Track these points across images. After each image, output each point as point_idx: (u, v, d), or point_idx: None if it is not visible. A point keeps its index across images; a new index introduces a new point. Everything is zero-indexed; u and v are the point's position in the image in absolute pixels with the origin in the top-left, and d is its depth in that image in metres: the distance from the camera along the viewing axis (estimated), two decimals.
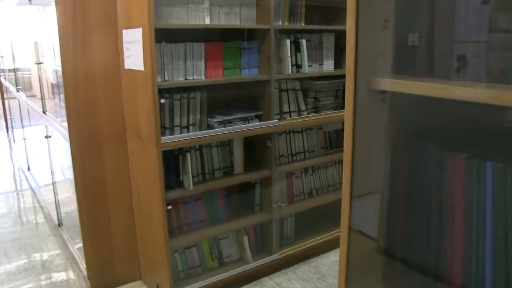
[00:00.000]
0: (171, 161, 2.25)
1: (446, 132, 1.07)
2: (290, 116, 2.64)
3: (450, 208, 0.98)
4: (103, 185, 2.40)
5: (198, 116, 2.26)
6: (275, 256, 2.65)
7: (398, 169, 1.15)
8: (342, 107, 2.88)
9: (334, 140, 2.99)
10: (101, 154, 2.37)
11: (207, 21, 2.27)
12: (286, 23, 2.56)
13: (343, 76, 2.83)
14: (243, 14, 2.37)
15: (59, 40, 2.15)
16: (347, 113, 1.14)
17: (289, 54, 2.51)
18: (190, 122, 2.24)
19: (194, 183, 2.29)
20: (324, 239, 2.90)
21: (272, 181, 2.57)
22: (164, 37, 2.10)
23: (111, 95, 2.34)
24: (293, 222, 2.84)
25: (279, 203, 2.62)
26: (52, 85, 2.86)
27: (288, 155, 2.74)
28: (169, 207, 2.19)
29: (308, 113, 2.73)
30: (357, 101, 1.12)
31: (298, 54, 2.59)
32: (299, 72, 2.61)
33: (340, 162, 3.01)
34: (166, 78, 2.16)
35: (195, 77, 2.25)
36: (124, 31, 2.22)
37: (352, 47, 1.11)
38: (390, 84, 1.10)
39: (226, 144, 2.46)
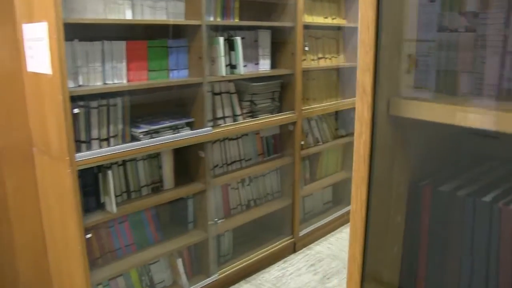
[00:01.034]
0: (90, 180, 2.00)
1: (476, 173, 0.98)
2: (225, 122, 2.48)
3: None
4: (3, 210, 2.08)
5: (120, 127, 2.03)
6: (214, 277, 2.49)
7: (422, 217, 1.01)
8: (279, 110, 2.79)
9: (271, 146, 2.88)
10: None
11: (129, 16, 2.03)
12: (219, 19, 2.40)
13: (280, 77, 2.76)
14: (170, 8, 2.17)
15: None
16: (360, 156, 0.95)
17: (222, 53, 2.35)
18: (111, 134, 2.00)
19: (117, 204, 2.05)
20: (265, 253, 2.79)
21: (206, 195, 2.40)
22: (76, 34, 1.84)
23: (10, 103, 2.02)
24: (231, 238, 2.70)
25: (215, 219, 2.46)
26: None
27: (223, 165, 2.59)
28: (89, 235, 1.94)
29: (244, 118, 2.59)
30: (375, 137, 0.94)
31: (232, 53, 2.44)
32: (233, 73, 2.46)
33: (279, 169, 2.92)
34: (80, 83, 1.90)
35: (115, 81, 2.01)
36: (24, 25, 1.91)
37: (370, 55, 0.90)
38: (429, 110, 0.91)
39: (153, 157, 2.25)
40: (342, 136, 3.40)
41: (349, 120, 3.43)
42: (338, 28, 3.22)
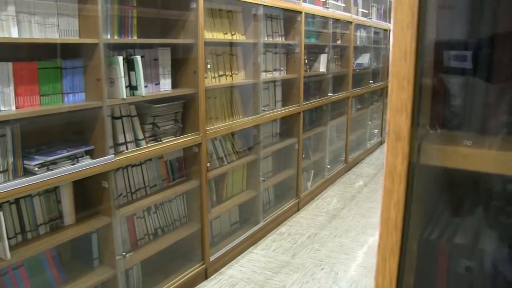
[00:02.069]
0: None
1: None
2: (127, 148, 2.40)
3: None
4: None
5: (11, 160, 1.86)
6: None
7: None
8: (183, 131, 2.78)
9: (176, 169, 2.85)
10: None
11: (14, 34, 1.88)
12: (116, 37, 2.33)
13: (182, 97, 2.76)
14: (63, 25, 2.05)
15: None
16: (390, 221, 0.82)
17: (122, 74, 2.28)
18: (0, 169, 1.82)
19: (11, 248, 1.86)
20: (176, 283, 2.74)
21: (112, 228, 2.30)
22: None
23: None
24: (139, 271, 2.60)
25: (123, 253, 2.36)
26: None
27: (127, 193, 2.50)
28: None
29: (146, 142, 2.54)
30: (409, 195, 0.82)
31: (132, 73, 2.38)
32: (134, 94, 2.40)
33: (185, 193, 2.90)
34: None
35: (1, 109, 1.85)
36: None
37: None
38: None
39: (51, 191, 2.09)
40: (245, 155, 3.49)
41: (250, 138, 3.54)
42: (237, 44, 3.32)
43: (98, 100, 2.16)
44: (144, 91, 2.45)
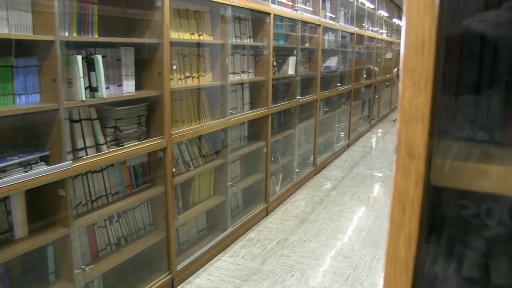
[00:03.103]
0: None
1: None
2: (87, 154, 2.23)
3: None
4: None
5: None
6: None
7: None
8: (147, 135, 2.62)
9: (139, 175, 2.69)
10: None
11: None
12: (75, 34, 2.15)
13: (146, 99, 2.60)
14: (14, 20, 1.87)
15: None
16: (398, 261, 0.66)
17: (81, 74, 2.11)
18: None
19: None
20: None
21: (70, 239, 2.12)
22: None
23: None
24: (101, 284, 2.42)
25: (82, 266, 2.18)
26: None
27: (87, 202, 2.32)
28: None
29: (108, 147, 2.36)
30: (422, 226, 0.66)
31: (92, 73, 2.21)
32: (94, 96, 2.23)
33: (150, 200, 2.74)
34: None
35: None
36: None
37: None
38: None
39: (0, 201, 1.90)
40: (212, 159, 3.35)
41: (218, 142, 3.40)
42: (205, 45, 3.18)
43: (54, 102, 1.98)
44: (106, 92, 2.29)
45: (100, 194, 2.40)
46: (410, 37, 0.60)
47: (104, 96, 2.24)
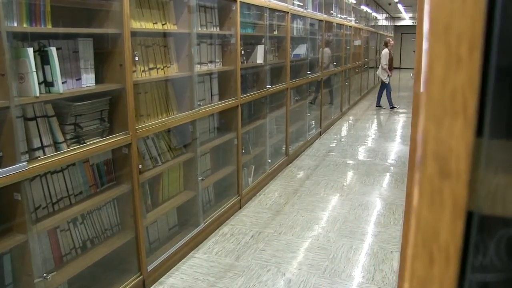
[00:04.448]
0: None
1: None
2: (44, 153, 2.08)
3: None
4: None
5: None
6: None
7: None
8: (110, 131, 2.48)
9: (104, 173, 2.55)
10: None
11: None
12: (25, 25, 1.99)
13: (108, 93, 2.46)
14: None
15: None
16: None
17: (33, 68, 1.95)
18: None
19: None
20: None
21: (28, 246, 1.97)
22: None
23: None
24: None
25: (44, 274, 2.04)
26: None
27: (47, 204, 2.18)
28: None
29: (68, 145, 2.22)
30: None
31: (47, 67, 2.06)
32: (50, 92, 2.08)
33: (116, 199, 2.61)
34: None
35: None
36: None
37: None
38: None
39: None
40: (181, 153, 3.23)
41: (186, 135, 3.28)
42: (169, 34, 3.04)
43: (3, 99, 1.82)
44: (63, 87, 2.14)
45: (61, 195, 2.26)
46: None
47: (61, 91, 2.09)
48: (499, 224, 0.42)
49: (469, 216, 0.40)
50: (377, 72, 9.92)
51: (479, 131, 0.39)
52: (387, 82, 9.55)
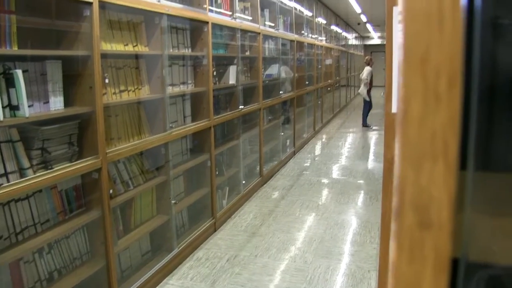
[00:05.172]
0: None
1: None
2: (8, 180, 1.99)
3: None
4: None
5: None
6: None
7: None
8: (79, 155, 2.41)
9: (73, 199, 2.46)
10: None
11: None
12: None
13: (77, 117, 2.39)
14: None
15: None
16: None
17: None
18: None
19: None
20: None
21: None
22: None
23: None
24: None
25: None
26: None
27: (10, 235, 2.08)
28: None
29: (34, 171, 2.14)
30: None
31: (12, 90, 1.98)
32: (15, 115, 2.00)
33: (86, 226, 2.52)
34: None
35: None
36: None
37: None
38: None
39: None
40: (153, 177, 3.17)
41: (158, 157, 3.22)
42: (141, 56, 3.00)
43: None
44: (29, 111, 2.06)
45: (26, 224, 2.16)
46: None
47: (27, 115, 2.02)
48: (487, 270, 0.38)
49: (454, 263, 0.36)
50: (359, 91, 9.84)
51: (461, 167, 0.35)
52: (368, 100, 9.62)
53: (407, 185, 0.34)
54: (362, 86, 9.61)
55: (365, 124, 9.86)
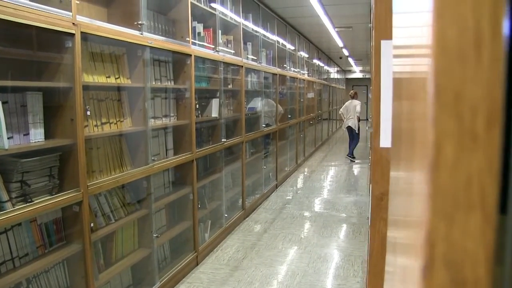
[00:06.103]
0: None
1: None
2: None
3: None
4: None
5: None
6: None
7: None
8: (60, 188, 2.41)
9: (53, 233, 2.44)
10: None
11: None
12: None
13: (58, 149, 2.40)
14: None
15: None
16: None
17: None
18: None
19: None
20: None
21: None
22: None
23: None
24: None
25: None
26: None
27: None
28: None
29: (13, 204, 2.13)
30: None
31: None
32: None
33: (66, 259, 2.49)
34: None
35: None
36: None
37: None
38: None
39: None
40: (135, 210, 3.16)
41: (140, 191, 3.22)
42: (123, 88, 3.04)
43: None
44: (9, 143, 2.07)
45: (4, 259, 2.13)
46: (447, 28, 0.29)
47: (6, 147, 2.03)
48: None
49: None
50: (349, 124, 9.90)
51: (501, 211, 0.31)
52: (357, 132, 9.80)
53: (438, 239, 0.31)
54: (355, 119, 9.75)
55: (351, 155, 9.97)
